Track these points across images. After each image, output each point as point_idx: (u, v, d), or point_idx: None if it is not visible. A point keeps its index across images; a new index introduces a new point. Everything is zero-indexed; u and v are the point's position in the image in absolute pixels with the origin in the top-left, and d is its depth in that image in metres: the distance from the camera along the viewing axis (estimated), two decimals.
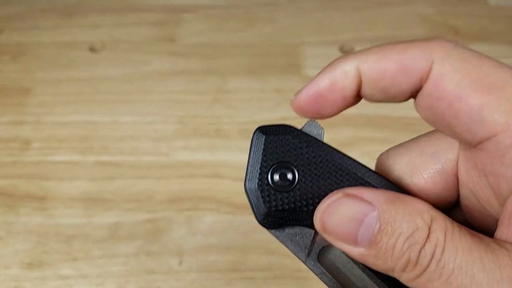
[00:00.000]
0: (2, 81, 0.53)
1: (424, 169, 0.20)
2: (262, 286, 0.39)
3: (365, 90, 0.19)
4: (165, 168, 0.46)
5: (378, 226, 0.17)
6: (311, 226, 0.19)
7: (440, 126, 0.18)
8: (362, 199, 0.17)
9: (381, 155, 0.21)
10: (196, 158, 0.46)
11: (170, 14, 0.61)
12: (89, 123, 0.49)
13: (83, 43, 0.57)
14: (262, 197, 0.19)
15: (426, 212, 0.17)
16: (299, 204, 0.19)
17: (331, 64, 0.19)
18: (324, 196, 0.18)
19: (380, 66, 0.18)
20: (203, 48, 0.57)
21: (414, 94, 0.18)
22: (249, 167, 0.19)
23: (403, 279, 0.17)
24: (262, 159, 0.19)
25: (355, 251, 0.17)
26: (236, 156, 0.46)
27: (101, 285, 0.39)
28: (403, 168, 0.20)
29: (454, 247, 0.16)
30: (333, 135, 0.48)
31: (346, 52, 0.56)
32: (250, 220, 0.43)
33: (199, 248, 0.41)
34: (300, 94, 0.20)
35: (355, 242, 0.17)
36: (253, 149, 0.20)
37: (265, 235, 0.41)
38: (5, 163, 0.46)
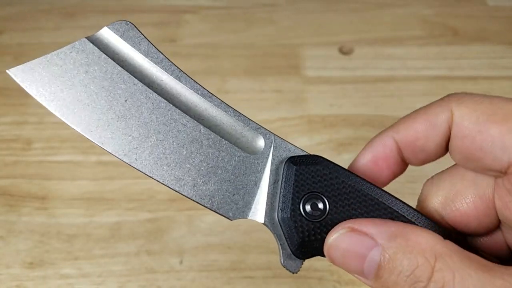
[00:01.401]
0: (4, 81, 0.54)
1: (466, 194, 0.21)
2: (262, 285, 0.39)
3: (406, 154, 0.21)
4: None
5: (380, 262, 0.17)
6: None
7: (471, 164, 0.20)
8: (365, 234, 0.18)
9: (427, 181, 0.22)
10: None
11: (171, 15, 0.61)
12: None
13: None
14: (295, 227, 0.19)
15: (429, 250, 0.17)
16: None
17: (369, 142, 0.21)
18: None
19: (411, 129, 0.20)
20: (204, 49, 0.57)
21: (447, 140, 0.20)
22: (281, 198, 0.20)
23: None
24: (293, 189, 0.20)
25: (366, 281, 0.18)
26: None
27: (102, 284, 0.39)
28: (446, 193, 0.21)
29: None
30: (332, 135, 0.48)
31: (345, 53, 0.57)
32: (250, 219, 0.44)
33: (199, 247, 0.41)
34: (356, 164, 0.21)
35: (362, 274, 0.18)
36: (284, 179, 0.20)
37: (265, 235, 0.42)
38: (7, 163, 0.47)
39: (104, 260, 0.41)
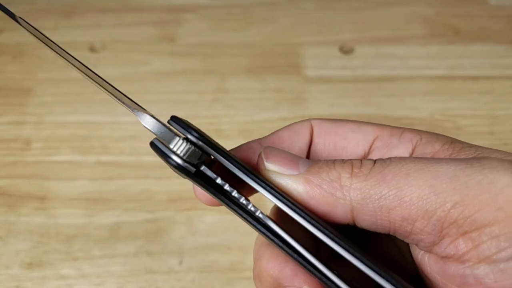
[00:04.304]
0: (3, 81, 0.53)
1: None
2: None
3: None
4: (165, 168, 0.46)
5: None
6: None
7: (334, 151, 0.23)
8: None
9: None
10: None
11: (170, 14, 0.61)
12: (90, 123, 0.49)
13: (83, 43, 0.57)
14: (190, 126, 0.20)
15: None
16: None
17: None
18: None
19: (276, 135, 0.23)
20: (203, 48, 0.57)
21: (309, 147, 0.23)
22: (171, 126, 0.21)
23: (353, 191, 0.18)
24: (182, 125, 0.21)
25: (297, 179, 0.19)
26: None
27: (102, 285, 0.39)
28: None
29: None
30: None
31: (346, 52, 0.57)
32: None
33: (199, 248, 0.41)
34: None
35: (297, 167, 0.19)
36: (172, 121, 0.21)
37: None
38: (5, 163, 0.46)
39: (103, 260, 0.40)
